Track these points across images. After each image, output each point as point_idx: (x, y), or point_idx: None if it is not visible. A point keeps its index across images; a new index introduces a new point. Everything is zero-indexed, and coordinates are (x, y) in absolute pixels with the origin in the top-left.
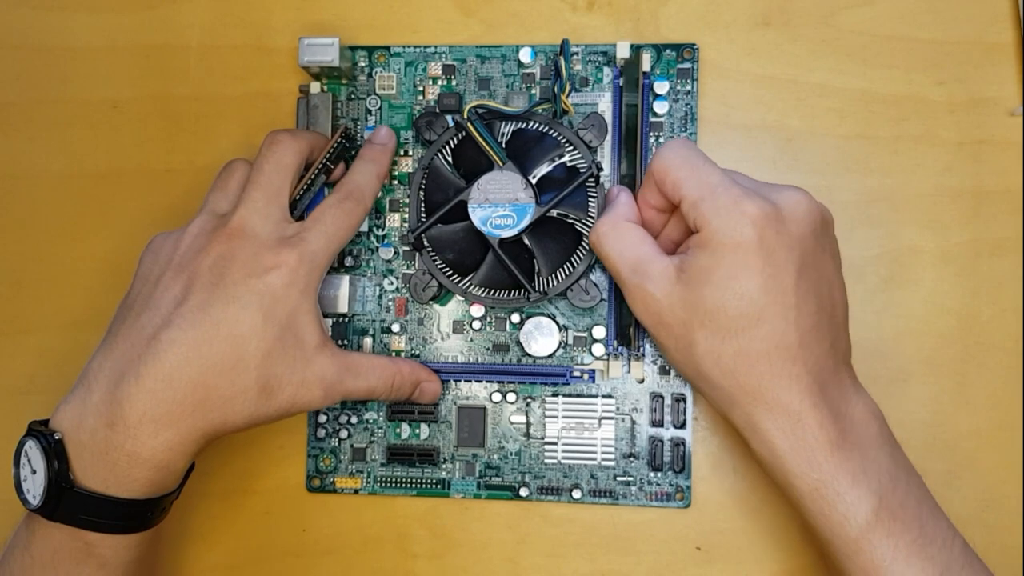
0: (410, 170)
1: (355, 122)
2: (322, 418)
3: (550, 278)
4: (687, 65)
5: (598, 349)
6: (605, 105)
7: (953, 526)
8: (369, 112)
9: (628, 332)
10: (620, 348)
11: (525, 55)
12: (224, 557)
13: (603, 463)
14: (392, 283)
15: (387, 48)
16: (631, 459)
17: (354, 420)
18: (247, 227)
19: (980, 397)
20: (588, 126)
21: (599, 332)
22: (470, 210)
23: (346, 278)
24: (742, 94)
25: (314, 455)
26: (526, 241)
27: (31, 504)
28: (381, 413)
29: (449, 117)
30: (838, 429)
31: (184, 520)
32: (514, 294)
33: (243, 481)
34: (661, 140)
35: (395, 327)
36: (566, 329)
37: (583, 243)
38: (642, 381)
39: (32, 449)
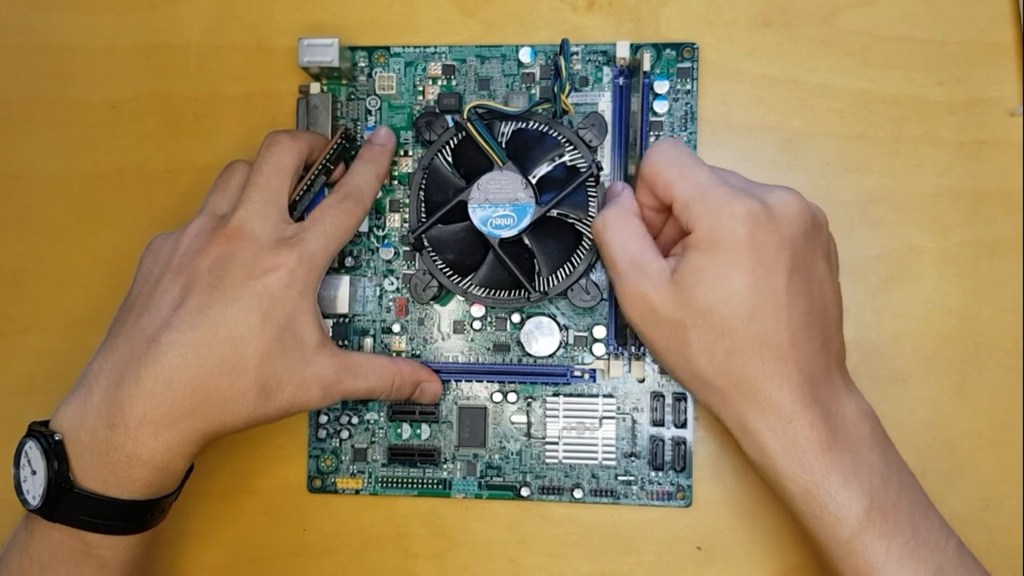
0: (410, 170)
1: (355, 122)
2: (323, 418)
3: (550, 278)
4: (687, 65)
5: (599, 349)
6: (605, 105)
7: (948, 526)
8: (369, 112)
9: (627, 332)
10: (621, 348)
11: (525, 55)
12: (224, 557)
13: (604, 463)
14: (392, 283)
15: (387, 48)
16: (632, 458)
17: (355, 420)
18: (246, 228)
19: (980, 397)
20: (588, 126)
21: (600, 332)
22: (470, 210)
23: (346, 278)
24: (742, 94)
25: (315, 455)
26: (526, 241)
27: (31, 505)
28: (382, 413)
29: (449, 117)
30: (829, 429)
31: (184, 520)
32: (514, 294)
33: (243, 481)
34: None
35: (395, 327)
36: (567, 329)
37: (583, 243)
38: (643, 380)
39: (32, 450)
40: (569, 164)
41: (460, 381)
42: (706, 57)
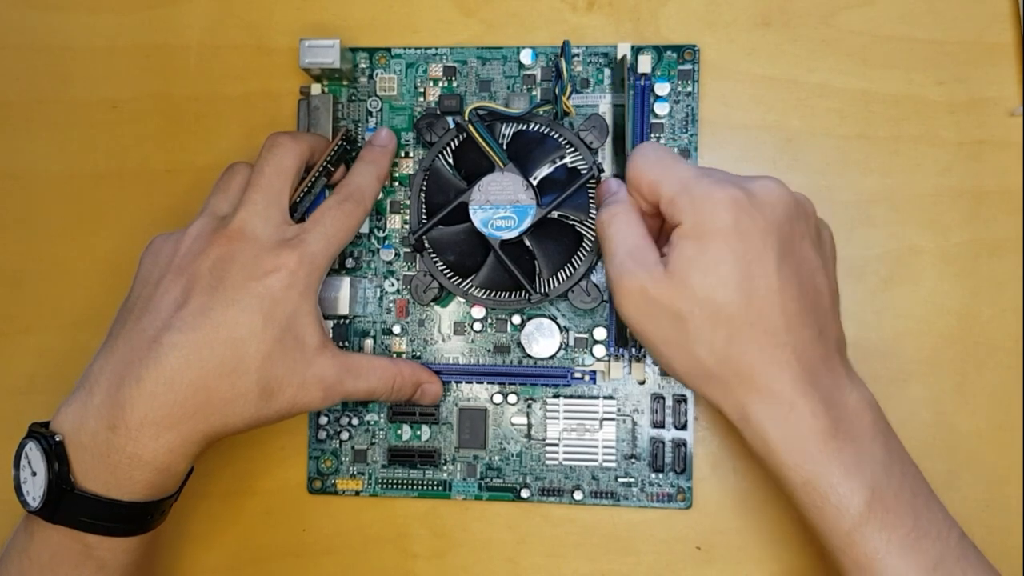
0: (411, 172)
1: (356, 124)
2: (323, 420)
3: (551, 279)
4: (688, 67)
5: (599, 350)
6: (606, 107)
7: (950, 517)
8: (370, 114)
9: (627, 333)
10: (621, 349)
11: (526, 56)
12: (224, 558)
13: (604, 464)
14: (393, 285)
15: (388, 50)
16: (632, 460)
17: (355, 422)
18: (247, 229)
19: (980, 397)
20: (589, 127)
21: (600, 333)
22: (471, 212)
23: (347, 280)
24: (742, 94)
25: (315, 457)
26: (527, 242)
27: (31, 506)
28: (382, 415)
29: (450, 119)
30: (831, 419)
31: (184, 521)
32: (515, 295)
33: (243, 482)
34: (661, 142)
35: (396, 329)
36: (567, 330)
37: (584, 245)
38: (643, 382)
39: (33, 451)
40: (570, 166)
41: (460, 382)
42: (706, 57)
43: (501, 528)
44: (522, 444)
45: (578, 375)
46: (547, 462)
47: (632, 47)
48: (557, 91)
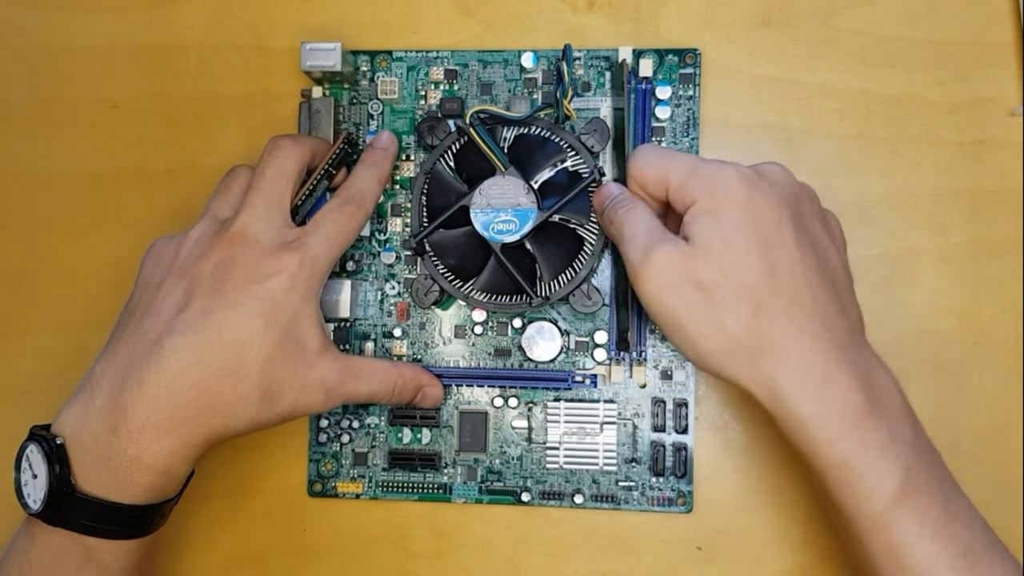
0: (412, 175)
1: (357, 126)
2: (323, 423)
3: (552, 283)
4: (689, 70)
5: (600, 354)
6: (607, 110)
7: (974, 506)
8: (371, 116)
9: (627, 337)
10: (622, 353)
11: (527, 60)
12: (225, 558)
13: (605, 468)
14: (394, 287)
15: (389, 53)
16: (633, 464)
17: (355, 425)
18: (248, 232)
19: (980, 397)
20: (590, 131)
21: (601, 337)
22: (472, 215)
23: (348, 283)
24: (742, 94)
25: (316, 460)
26: (528, 246)
27: (31, 509)
28: (383, 418)
29: (451, 122)
30: (865, 396)
31: (185, 521)
32: (516, 299)
33: (244, 483)
34: (662, 145)
35: (397, 331)
36: (568, 334)
37: (585, 248)
38: (644, 386)
39: (33, 453)
40: (571, 169)
41: (461, 386)
42: (706, 57)
43: (501, 528)
44: (523, 448)
45: (579, 379)
46: (548, 466)
47: (634, 51)
48: (558, 95)
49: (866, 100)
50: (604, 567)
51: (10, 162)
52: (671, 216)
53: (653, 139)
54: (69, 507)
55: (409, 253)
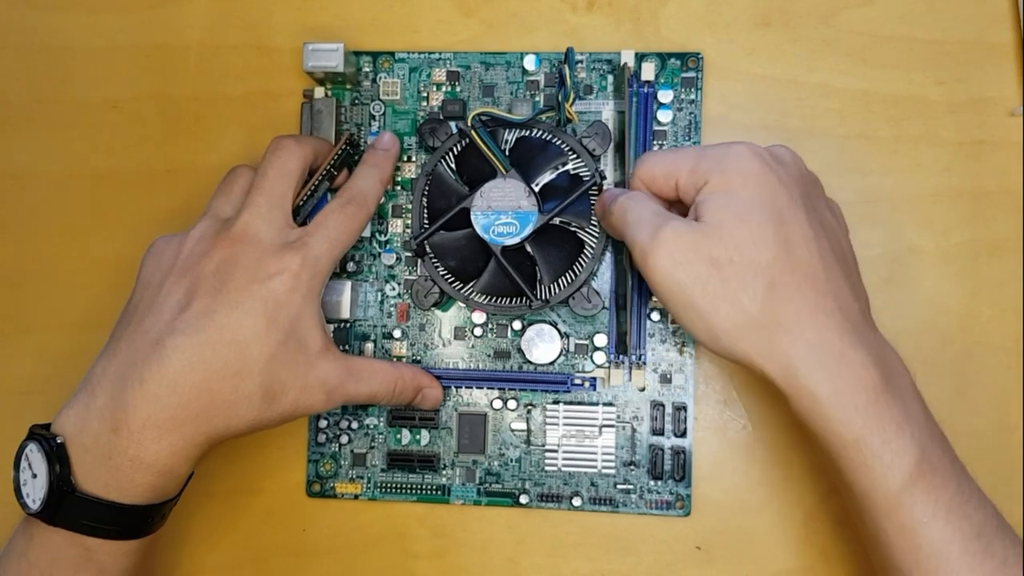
0: (413, 176)
1: (359, 127)
2: (323, 423)
3: (552, 286)
4: (691, 74)
5: (599, 357)
6: (609, 113)
7: (982, 490)
8: (373, 118)
9: (627, 340)
10: (621, 356)
11: (529, 62)
12: (225, 558)
13: (603, 471)
14: (394, 289)
15: (391, 54)
16: (631, 467)
17: (355, 426)
18: (250, 232)
19: (980, 397)
20: (592, 134)
21: (600, 340)
22: (473, 217)
23: (348, 284)
24: (742, 94)
25: (314, 460)
26: (528, 249)
27: (31, 509)
28: (382, 419)
29: (453, 124)
30: (880, 373)
31: (185, 521)
32: (516, 301)
33: (244, 482)
34: (664, 148)
35: (396, 333)
36: (567, 336)
37: (585, 251)
38: (643, 389)
39: (33, 452)
40: (572, 173)
41: (460, 387)
42: (706, 57)
43: (501, 528)
44: (521, 450)
45: (578, 381)
46: (546, 468)
47: (636, 54)
48: (560, 97)
49: (866, 100)
50: (604, 567)
51: (10, 162)
52: (676, 210)
53: (655, 143)
54: (69, 507)
55: (409, 254)
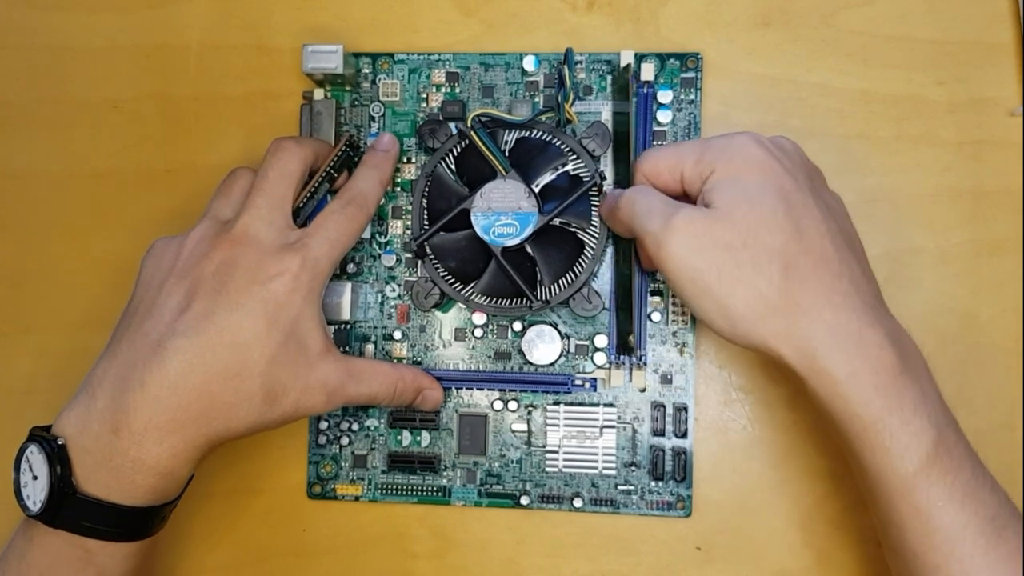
0: (413, 177)
1: (358, 129)
2: (323, 425)
3: (552, 287)
4: (691, 74)
5: (600, 358)
6: (608, 114)
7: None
8: (373, 119)
9: (628, 341)
10: (622, 357)
11: (529, 63)
12: (226, 557)
13: (604, 472)
14: (394, 290)
15: (391, 55)
16: (632, 468)
17: (355, 427)
18: (250, 233)
19: (980, 397)
20: (591, 135)
21: (601, 341)
22: (473, 218)
23: (348, 285)
24: (742, 94)
25: (315, 462)
26: (528, 249)
27: (31, 510)
28: (382, 420)
29: (452, 125)
30: (897, 353)
31: (186, 521)
32: (516, 302)
33: (244, 483)
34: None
35: (397, 334)
36: (568, 337)
37: (586, 252)
38: (644, 390)
39: (34, 454)
40: (572, 173)
41: (461, 389)
42: (706, 57)
43: (501, 529)
44: (522, 451)
45: (579, 382)
46: (547, 469)
47: (636, 55)
48: (560, 98)
49: (866, 100)
50: (604, 567)
51: (10, 162)
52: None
53: (654, 142)
54: (70, 508)
55: (410, 256)
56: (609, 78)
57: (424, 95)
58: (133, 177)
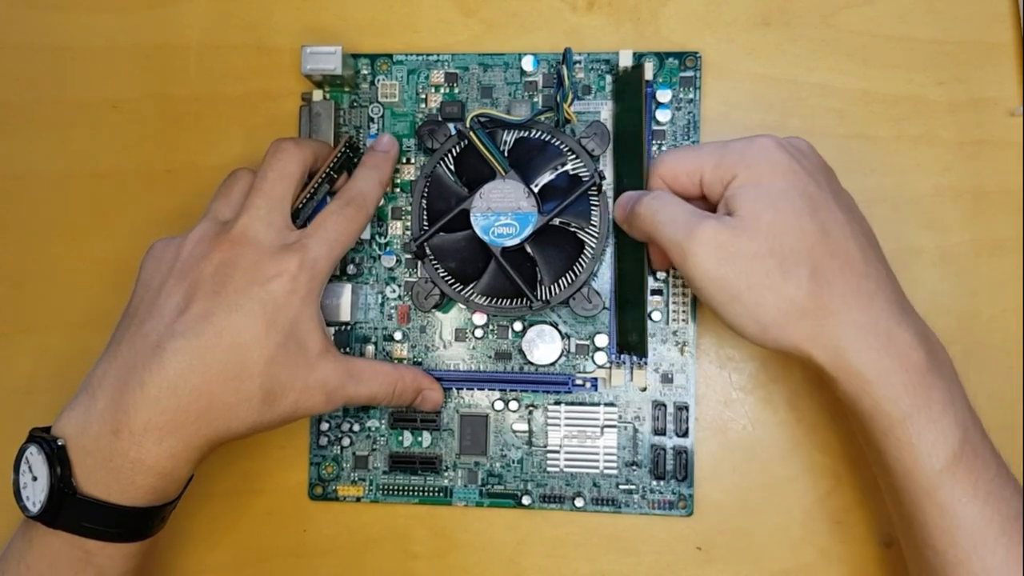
0: (412, 178)
1: (357, 130)
2: (324, 426)
3: (552, 286)
4: (690, 73)
5: (600, 357)
6: (607, 113)
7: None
8: (372, 120)
9: (629, 341)
10: (623, 356)
11: (528, 63)
12: (226, 557)
13: (605, 471)
14: (394, 291)
15: (389, 56)
16: (633, 467)
17: (356, 428)
18: (250, 234)
19: (980, 397)
20: (590, 135)
21: (601, 340)
22: (472, 219)
23: (348, 286)
24: (742, 94)
25: (316, 463)
26: (528, 250)
27: (31, 511)
28: (383, 421)
29: (451, 125)
30: (925, 351)
31: (187, 521)
32: (516, 302)
33: (245, 483)
34: (663, 148)
35: (397, 335)
36: (568, 337)
37: (585, 251)
38: (644, 389)
39: (34, 455)
40: (571, 173)
41: (461, 389)
42: (706, 57)
43: (502, 529)
44: (523, 451)
45: (579, 382)
46: (548, 469)
47: (634, 54)
48: (559, 98)
49: (866, 100)
50: (604, 567)
51: (10, 162)
52: (699, 207)
53: (654, 142)
54: (69, 509)
55: (409, 256)
56: (608, 78)
57: (423, 96)
58: (133, 177)
